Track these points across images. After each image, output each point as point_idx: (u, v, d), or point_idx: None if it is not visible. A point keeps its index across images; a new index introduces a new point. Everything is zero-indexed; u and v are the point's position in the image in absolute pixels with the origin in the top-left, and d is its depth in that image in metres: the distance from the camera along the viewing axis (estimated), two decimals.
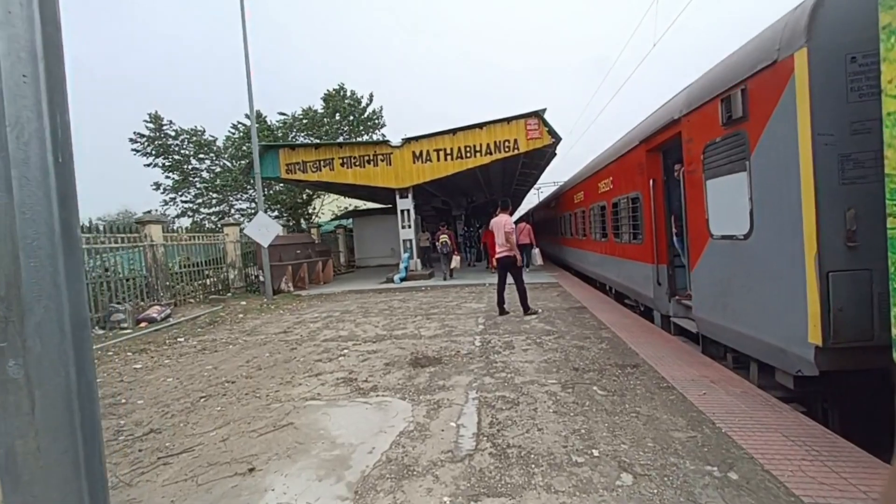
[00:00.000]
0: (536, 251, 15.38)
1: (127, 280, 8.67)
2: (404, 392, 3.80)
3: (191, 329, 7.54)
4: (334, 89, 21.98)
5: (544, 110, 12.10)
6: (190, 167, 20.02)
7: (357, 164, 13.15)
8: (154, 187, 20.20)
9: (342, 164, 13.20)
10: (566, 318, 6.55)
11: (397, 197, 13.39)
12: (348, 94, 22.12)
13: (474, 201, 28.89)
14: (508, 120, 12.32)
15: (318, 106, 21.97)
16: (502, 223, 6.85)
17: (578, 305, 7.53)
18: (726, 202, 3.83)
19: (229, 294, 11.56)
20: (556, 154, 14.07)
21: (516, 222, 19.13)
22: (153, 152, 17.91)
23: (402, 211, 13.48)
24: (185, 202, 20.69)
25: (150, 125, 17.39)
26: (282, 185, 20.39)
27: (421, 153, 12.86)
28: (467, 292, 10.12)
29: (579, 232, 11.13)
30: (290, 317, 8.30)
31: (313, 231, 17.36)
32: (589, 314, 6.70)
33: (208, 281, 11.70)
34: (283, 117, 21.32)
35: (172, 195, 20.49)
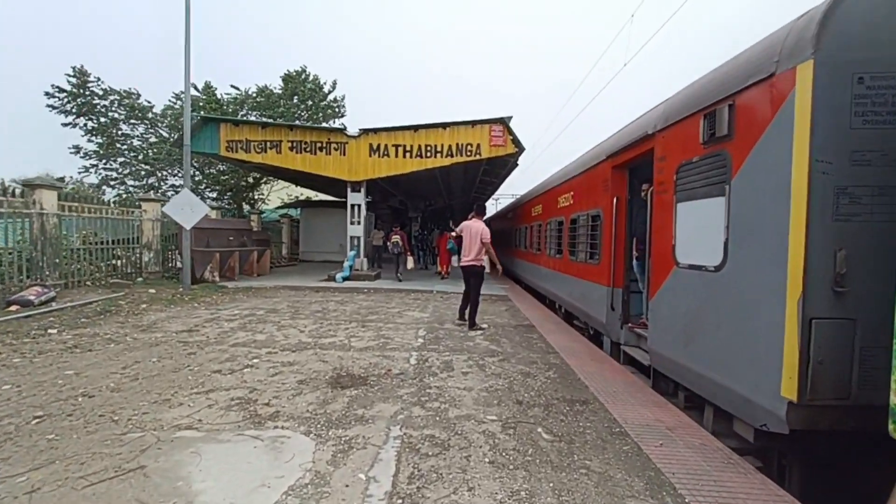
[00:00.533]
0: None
1: (7, 253, 7.14)
2: (312, 423, 3.06)
3: (72, 319, 6.25)
4: (296, 70, 20.62)
5: (510, 118, 11.77)
6: (119, 132, 17.81)
7: (308, 149, 12.11)
8: (73, 151, 17.74)
9: (291, 148, 12.10)
10: (513, 337, 6.07)
11: (349, 190, 12.49)
12: (310, 77, 20.84)
13: (432, 205, 28.34)
14: (473, 123, 11.86)
15: (277, 86, 20.51)
16: (478, 230, 6.34)
17: (527, 324, 7.10)
18: (698, 228, 3.46)
19: (140, 279, 10.06)
20: (517, 164, 13.83)
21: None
22: (74, 111, 15.61)
23: (353, 206, 12.59)
24: (110, 171, 18.39)
25: (74, 80, 15.14)
26: (225, 164, 18.71)
27: (378, 147, 12.08)
28: (412, 299, 9.45)
29: (534, 246, 10.85)
30: (204, 312, 7.20)
31: (253, 217, 15.90)
32: (537, 335, 6.27)
33: (118, 262, 10.14)
34: (235, 92, 19.64)
35: (95, 162, 18.13)
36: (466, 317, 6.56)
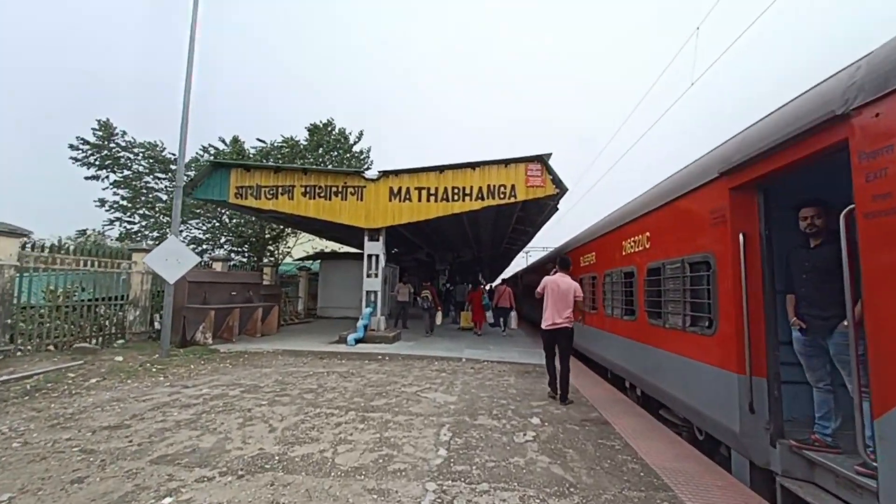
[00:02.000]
0: (513, 314, 13.92)
1: None
2: None
3: None
4: (322, 122, 20.49)
5: (549, 155, 10.29)
6: (143, 185, 17.62)
7: (322, 195, 10.94)
8: (98, 204, 17.58)
9: (304, 194, 10.98)
10: (583, 444, 4.00)
11: (366, 239, 11.08)
12: (336, 129, 20.61)
13: (460, 257, 26.85)
14: (506, 162, 10.44)
15: (303, 138, 20.34)
16: (569, 286, 5.62)
17: (594, 416, 4.99)
18: None
19: (121, 341, 8.66)
20: (557, 209, 12.15)
21: (496, 285, 17.09)
22: (97, 163, 15.48)
23: (370, 256, 11.10)
24: (132, 223, 18.04)
25: (98, 132, 15.15)
26: (250, 216, 18.05)
27: (399, 190, 10.77)
28: (436, 370, 7.49)
29: (584, 303, 8.81)
30: (164, 390, 5.52)
31: (266, 270, 14.69)
32: (619, 440, 4.16)
33: (105, 322, 8.86)
34: (261, 144, 19.49)
35: (118, 215, 17.87)
36: (560, 403, 5.49)
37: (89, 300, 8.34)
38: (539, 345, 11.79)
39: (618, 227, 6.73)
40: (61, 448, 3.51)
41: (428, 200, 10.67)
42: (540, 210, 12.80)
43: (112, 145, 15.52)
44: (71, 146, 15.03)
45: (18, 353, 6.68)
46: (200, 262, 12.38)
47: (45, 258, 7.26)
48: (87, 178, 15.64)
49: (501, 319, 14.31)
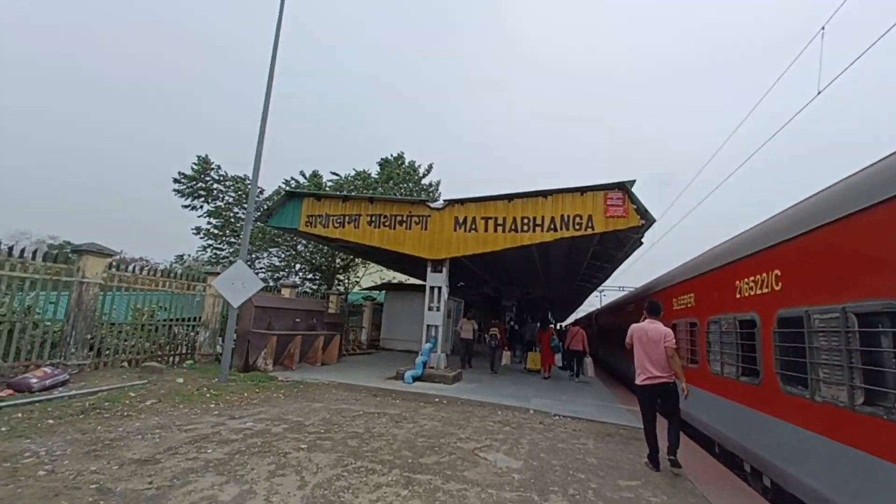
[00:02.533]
0: (589, 360, 12.74)
1: (38, 326, 6.33)
2: None
3: (38, 419, 4.73)
4: (393, 156, 21.14)
5: (632, 182, 9.18)
6: (233, 215, 19.20)
7: (387, 224, 10.79)
8: (195, 231, 19.47)
9: (370, 223, 10.91)
10: None
11: (428, 269, 10.61)
12: (406, 162, 21.13)
13: (529, 293, 25.49)
14: (582, 190, 9.51)
15: (375, 171, 21.11)
16: (660, 335, 4.76)
17: None
18: None
19: (190, 361, 8.89)
20: (641, 243, 10.77)
21: (568, 326, 15.61)
22: (192, 194, 17.20)
23: (433, 288, 10.58)
24: (220, 250, 19.62)
25: (196, 167, 16.92)
26: (322, 245, 18.79)
27: (465, 220, 10.26)
28: (498, 421, 6.52)
29: (680, 354, 7.34)
30: (210, 419, 5.25)
31: (332, 298, 14.83)
32: None
33: (180, 342, 9.25)
34: (335, 178, 20.51)
35: (210, 242, 19.58)
36: (668, 454, 4.64)
37: (166, 320, 8.72)
38: (620, 398, 10.25)
39: (730, 263, 5.46)
40: (80, 483, 3.20)
41: (495, 231, 10.00)
42: (620, 244, 11.49)
43: (207, 178, 17.18)
44: (174, 179, 16.91)
45: (95, 367, 6.99)
46: (271, 287, 12.78)
47: (128, 277, 7.73)
48: (184, 206, 17.39)
49: (574, 364, 13.10)
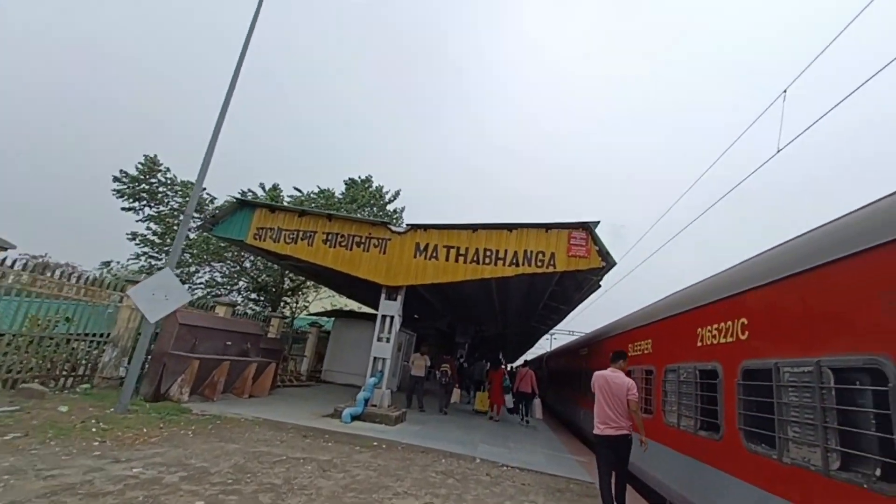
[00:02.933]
0: (537, 402, 12.54)
1: None
2: None
3: None
4: (361, 178, 20.64)
5: (596, 223, 9.18)
6: (175, 222, 17.65)
7: (343, 244, 10.11)
8: (130, 237, 17.65)
9: (325, 241, 10.18)
10: None
11: (382, 296, 9.94)
12: (374, 186, 20.68)
13: (483, 331, 25.06)
14: (547, 227, 9.38)
15: (339, 191, 20.46)
16: (623, 384, 4.74)
17: None
18: None
19: (85, 385, 7.53)
20: (599, 286, 10.72)
21: (518, 367, 15.52)
22: (133, 195, 15.61)
23: (385, 317, 9.87)
24: (157, 260, 17.85)
25: (142, 166, 15.48)
26: (271, 263, 17.55)
27: (427, 247, 9.79)
28: (441, 472, 5.81)
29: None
30: (84, 463, 4.20)
31: (273, 322, 13.60)
32: None
33: (79, 361, 7.88)
34: (297, 194, 19.62)
35: (146, 249, 17.79)
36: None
37: (63, 334, 7.41)
38: (571, 447, 9.77)
39: (691, 309, 5.29)
40: None
41: (456, 261, 9.59)
42: (578, 285, 11.42)
43: (153, 181, 15.77)
44: (114, 178, 15.34)
45: None
46: (204, 305, 11.52)
47: (18, 275, 6.47)
48: (123, 209, 15.76)
49: (522, 406, 12.82)
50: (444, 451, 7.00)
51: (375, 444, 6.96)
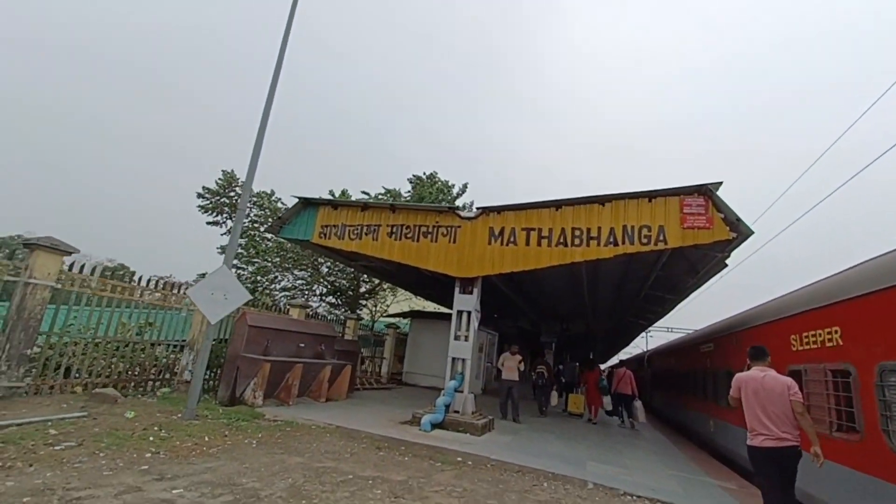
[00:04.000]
0: (639, 404, 11.63)
1: None
2: None
3: None
4: (426, 174, 20.01)
5: (718, 185, 7.21)
6: (258, 234, 18.45)
7: (409, 235, 9.25)
8: (220, 250, 18.84)
9: (390, 234, 9.42)
10: None
11: (456, 290, 8.86)
12: (440, 181, 19.91)
13: (570, 328, 22.92)
14: (651, 195, 7.62)
15: (406, 190, 20.01)
16: (782, 387, 3.81)
17: None
18: None
19: (165, 389, 7.47)
20: (726, 264, 8.55)
21: (614, 367, 14.06)
22: (215, 209, 16.51)
23: (461, 313, 8.78)
24: (241, 269, 18.80)
25: (221, 181, 16.33)
26: (345, 266, 17.56)
27: (502, 231, 8.54)
28: (544, 502, 4.49)
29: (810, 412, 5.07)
30: (123, 480, 3.63)
31: (349, 323, 13.25)
32: None
33: (164, 366, 7.93)
34: (366, 197, 19.53)
35: (235, 262, 18.85)
36: None
37: (139, 340, 7.42)
38: (703, 465, 7.77)
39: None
40: None
41: (538, 244, 8.20)
42: (692, 267, 9.34)
43: (231, 193, 16.54)
44: (198, 194, 16.37)
45: (35, 392, 5.67)
46: (277, 308, 11.42)
47: (87, 281, 6.44)
48: (208, 223, 16.75)
49: (622, 409, 11.94)
50: (546, 471, 5.65)
51: (460, 459, 5.84)
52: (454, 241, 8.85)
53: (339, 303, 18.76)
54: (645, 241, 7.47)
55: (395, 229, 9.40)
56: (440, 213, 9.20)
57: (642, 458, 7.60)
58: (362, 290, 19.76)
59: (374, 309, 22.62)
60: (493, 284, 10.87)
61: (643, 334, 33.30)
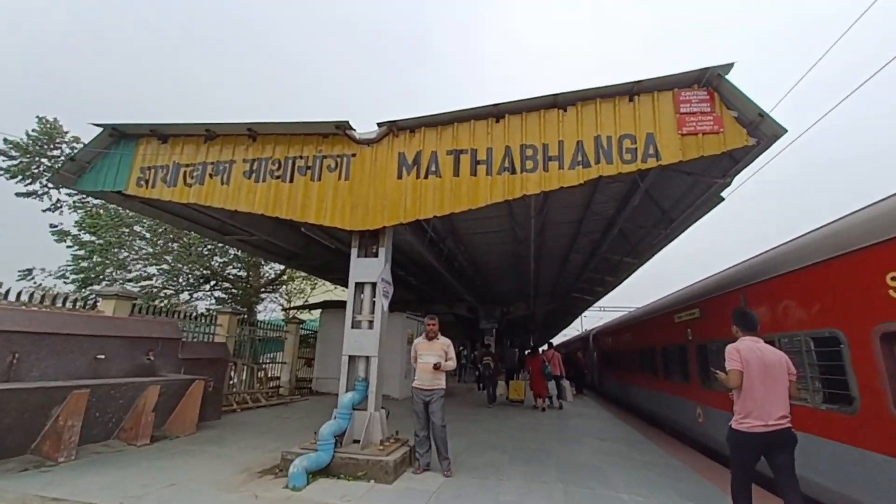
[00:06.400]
0: (566, 384, 12.05)
1: None
2: None
3: None
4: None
5: (728, 67, 4.88)
6: (103, 206, 13.67)
7: (277, 174, 5.99)
8: (55, 236, 13.78)
9: (247, 174, 6.09)
10: None
11: (353, 251, 5.81)
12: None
13: (510, 311, 20.84)
14: (633, 91, 5.16)
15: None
16: (780, 361, 3.21)
17: None
18: None
19: None
20: (723, 198, 6.37)
21: (543, 350, 13.16)
22: (25, 172, 11.51)
23: (360, 286, 5.75)
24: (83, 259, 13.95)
25: (34, 134, 11.43)
26: (238, 250, 13.56)
27: (418, 157, 5.63)
28: None
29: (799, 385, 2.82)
30: None
31: (221, 319, 9.51)
32: None
33: None
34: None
35: (80, 251, 13.92)
36: None
37: None
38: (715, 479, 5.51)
39: None
40: None
41: (473, 174, 5.41)
42: (678, 200, 7.20)
43: (55, 152, 11.71)
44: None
45: None
46: (75, 299, 7.46)
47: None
48: (18, 194, 11.75)
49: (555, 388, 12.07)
50: None
51: None
52: (346, 178, 5.77)
53: (229, 298, 14.68)
54: (628, 157, 5.00)
55: (255, 165, 6.08)
56: (324, 138, 6.01)
57: (641, 486, 5.16)
58: (260, 281, 15.81)
59: (288, 304, 18.85)
60: (412, 248, 8.01)
61: (580, 317, 32.71)
